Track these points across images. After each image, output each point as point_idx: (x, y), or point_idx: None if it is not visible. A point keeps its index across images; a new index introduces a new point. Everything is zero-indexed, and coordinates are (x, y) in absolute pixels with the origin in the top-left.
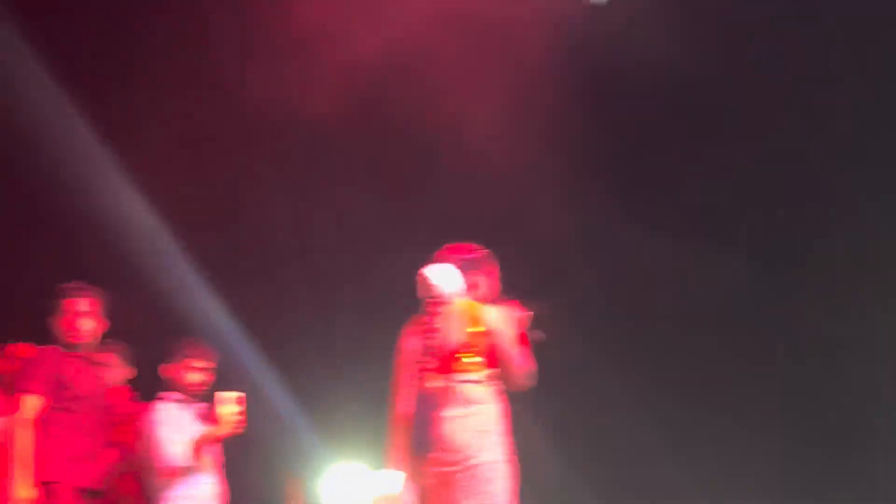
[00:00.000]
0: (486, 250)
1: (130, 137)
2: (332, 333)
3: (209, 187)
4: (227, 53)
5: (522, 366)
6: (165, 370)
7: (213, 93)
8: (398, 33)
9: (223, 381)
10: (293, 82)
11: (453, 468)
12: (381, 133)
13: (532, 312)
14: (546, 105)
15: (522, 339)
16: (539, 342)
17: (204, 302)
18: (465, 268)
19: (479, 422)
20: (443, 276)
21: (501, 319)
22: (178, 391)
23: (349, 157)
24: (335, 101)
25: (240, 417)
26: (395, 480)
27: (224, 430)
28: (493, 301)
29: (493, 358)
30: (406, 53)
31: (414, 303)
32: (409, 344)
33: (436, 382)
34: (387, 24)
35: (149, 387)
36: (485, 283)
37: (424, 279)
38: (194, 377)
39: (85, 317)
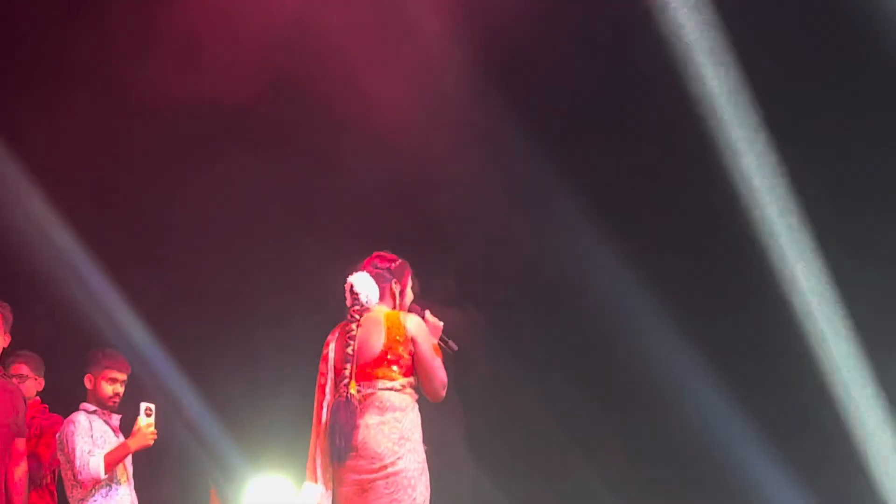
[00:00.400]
0: (402, 260)
1: (31, 139)
2: (251, 340)
3: (113, 190)
4: (127, 45)
5: (439, 375)
6: (83, 381)
7: (115, 87)
8: (304, 13)
9: (139, 392)
10: (195, 69)
11: (371, 476)
12: (290, 118)
13: (443, 323)
14: (457, 88)
15: (435, 348)
16: (452, 352)
17: (116, 312)
18: (381, 277)
19: (397, 429)
20: (365, 285)
21: (420, 328)
22: (94, 402)
23: (258, 144)
24: (240, 87)
25: (152, 429)
26: (313, 493)
27: (138, 441)
28: (408, 309)
29: (410, 366)
30: (313, 33)
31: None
32: (331, 351)
33: (355, 389)
34: (292, 4)
35: (65, 399)
36: (401, 292)
37: (350, 287)
38: (109, 388)
39: None
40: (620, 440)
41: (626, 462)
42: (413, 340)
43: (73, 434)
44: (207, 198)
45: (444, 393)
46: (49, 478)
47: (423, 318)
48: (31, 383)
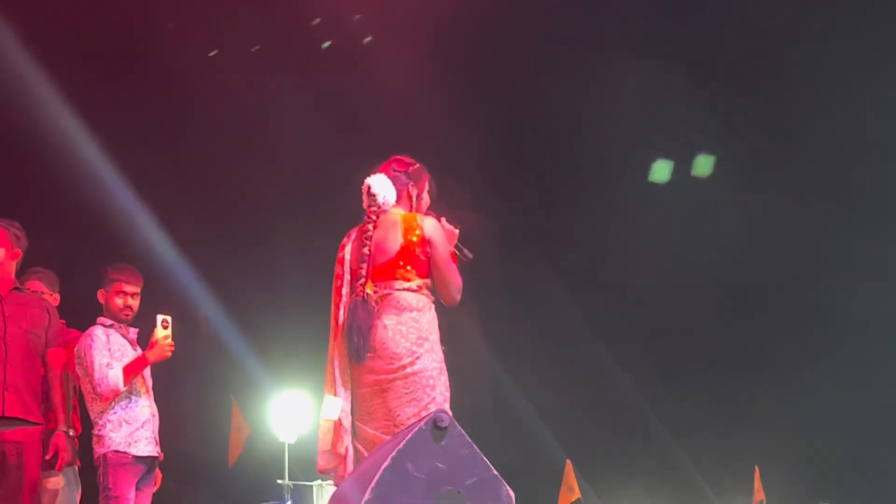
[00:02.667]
0: (420, 164)
1: None
2: (273, 259)
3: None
4: None
5: (454, 279)
6: (99, 295)
7: None
8: None
9: (160, 304)
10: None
11: (390, 376)
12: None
13: (459, 230)
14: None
15: (451, 255)
16: (467, 260)
17: (145, 228)
18: (398, 180)
19: (414, 329)
20: (382, 187)
21: (437, 231)
22: (109, 317)
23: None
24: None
25: (169, 341)
26: (333, 406)
27: (155, 353)
28: (424, 213)
29: (426, 268)
30: None
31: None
32: (347, 253)
33: (371, 289)
34: None
35: (83, 314)
36: (418, 196)
37: (367, 188)
38: (120, 301)
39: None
40: (634, 328)
41: (641, 348)
42: (430, 242)
43: (90, 347)
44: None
45: (458, 297)
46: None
47: (439, 222)
48: (47, 299)
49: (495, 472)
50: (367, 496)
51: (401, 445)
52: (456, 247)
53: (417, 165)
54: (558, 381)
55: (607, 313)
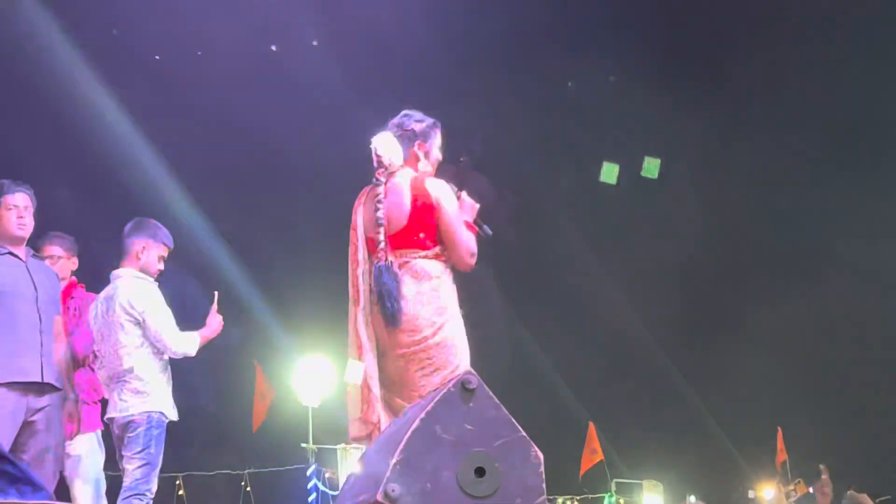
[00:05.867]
0: (431, 119)
1: None
2: (296, 226)
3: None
4: None
5: (464, 240)
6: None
7: None
8: None
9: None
10: None
11: (414, 348)
12: None
13: (480, 205)
14: None
15: (469, 226)
16: (487, 237)
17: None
18: (405, 137)
19: (435, 298)
20: (387, 146)
21: (442, 190)
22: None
23: None
24: None
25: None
26: (357, 370)
27: (210, 329)
28: (437, 169)
29: (438, 232)
30: None
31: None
32: (359, 217)
33: (388, 257)
34: None
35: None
36: (426, 154)
37: (373, 149)
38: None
39: (27, 212)
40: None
41: (666, 309)
42: (437, 203)
43: (163, 304)
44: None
45: (472, 261)
46: (91, 356)
47: (458, 198)
48: (65, 263)
49: (523, 433)
50: (395, 458)
51: (429, 407)
52: (475, 222)
53: (428, 121)
54: (581, 343)
55: (632, 274)
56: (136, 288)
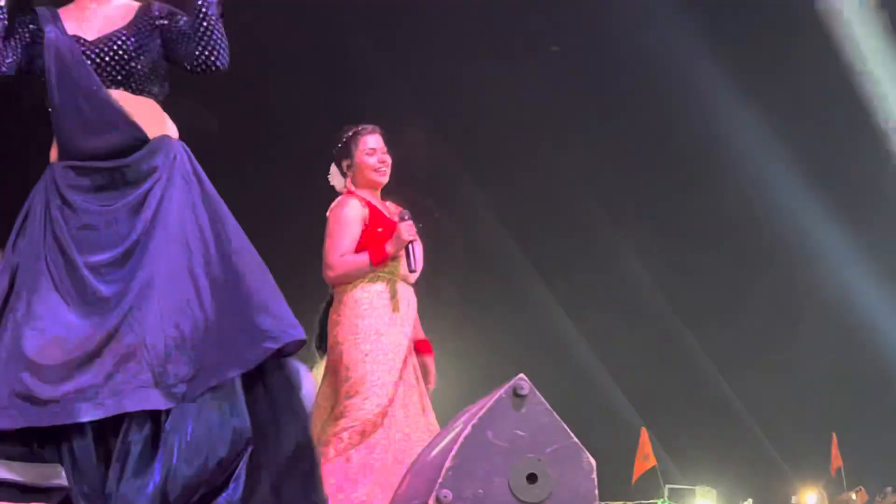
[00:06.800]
0: (351, 131)
1: None
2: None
3: None
4: None
5: (325, 256)
6: None
7: None
8: None
9: None
10: None
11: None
12: None
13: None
14: None
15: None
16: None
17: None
18: (336, 160)
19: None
20: (333, 177)
21: (331, 212)
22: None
23: None
24: None
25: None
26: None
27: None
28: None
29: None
30: None
31: None
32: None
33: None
34: None
35: None
36: (350, 167)
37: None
38: None
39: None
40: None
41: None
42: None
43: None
44: None
45: (325, 273)
46: None
47: (400, 220)
48: None
49: (575, 439)
50: (448, 463)
51: (481, 413)
52: (406, 250)
53: (346, 136)
54: (634, 351)
55: (685, 288)
56: None
